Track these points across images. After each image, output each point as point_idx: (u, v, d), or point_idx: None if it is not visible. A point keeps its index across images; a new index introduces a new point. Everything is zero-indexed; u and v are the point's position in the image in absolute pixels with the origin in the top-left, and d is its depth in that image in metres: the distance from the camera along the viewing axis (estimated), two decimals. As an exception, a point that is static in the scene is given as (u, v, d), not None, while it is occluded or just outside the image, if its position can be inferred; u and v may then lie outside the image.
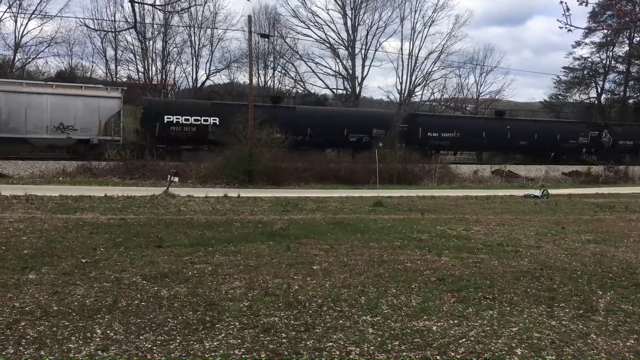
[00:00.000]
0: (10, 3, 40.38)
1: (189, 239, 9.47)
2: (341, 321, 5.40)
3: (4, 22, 44.34)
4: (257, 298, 6.01)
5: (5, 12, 40.42)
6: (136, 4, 5.67)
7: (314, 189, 22.62)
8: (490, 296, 6.44)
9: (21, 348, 4.40)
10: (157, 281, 6.54)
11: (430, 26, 52.06)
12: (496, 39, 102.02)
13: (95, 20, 43.25)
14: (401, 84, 52.03)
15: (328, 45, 49.78)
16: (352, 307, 5.84)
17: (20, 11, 40.47)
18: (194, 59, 46.09)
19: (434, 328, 5.28)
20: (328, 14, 51.08)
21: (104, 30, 42.84)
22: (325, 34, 49.48)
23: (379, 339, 4.94)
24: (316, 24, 49.15)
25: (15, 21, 41.07)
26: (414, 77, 52.11)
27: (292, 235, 10.19)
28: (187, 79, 47.42)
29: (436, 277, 7.26)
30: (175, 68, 45.93)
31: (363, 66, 50.41)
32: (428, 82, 53.14)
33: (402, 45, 52.00)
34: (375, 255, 8.63)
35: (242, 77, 50.40)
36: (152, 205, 13.92)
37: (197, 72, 46.93)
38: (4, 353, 4.30)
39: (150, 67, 44.02)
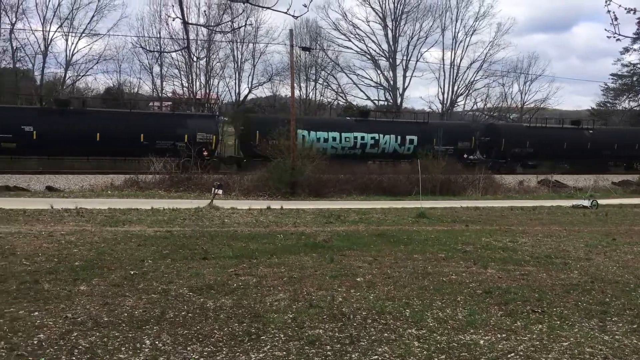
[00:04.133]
0: (62, 22, 41.92)
1: (233, 250, 9.58)
2: (386, 334, 5.36)
3: (55, 41, 45.87)
4: (301, 310, 6.02)
5: (56, 31, 41.96)
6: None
7: (356, 200, 22.59)
8: (539, 309, 6.28)
9: (74, 358, 4.53)
10: (203, 293, 6.64)
11: (472, 35, 51.45)
12: (540, 46, 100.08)
13: (142, 38, 44.40)
14: (443, 93, 51.60)
15: (369, 56, 49.84)
16: (397, 320, 5.79)
17: (71, 30, 41.94)
18: (237, 73, 46.75)
19: (481, 342, 5.18)
20: (369, 25, 50.90)
21: (159, 52, 43.93)
22: (366, 46, 49.59)
23: (425, 352, 4.88)
24: (357, 36, 49.32)
25: (66, 40, 42.50)
26: (456, 87, 51.64)
27: (335, 246, 10.18)
28: (230, 93, 48.13)
29: (482, 290, 7.13)
30: (219, 82, 46.71)
31: (404, 77, 50.25)
32: (471, 91, 52.54)
33: (443, 55, 51.56)
34: (419, 267, 8.55)
35: (284, 90, 50.84)
36: (197, 218, 14.14)
37: (239, 86, 47.57)
38: (58, 362, 4.44)
39: (194, 82, 44.92)
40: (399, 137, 34.72)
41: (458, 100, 52.94)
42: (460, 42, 51.64)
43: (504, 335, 5.39)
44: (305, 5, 4.12)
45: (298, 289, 6.96)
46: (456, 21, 52.25)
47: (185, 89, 44.92)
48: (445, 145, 34.34)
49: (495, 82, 53.01)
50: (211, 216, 14.59)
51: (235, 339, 5.09)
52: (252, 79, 47.79)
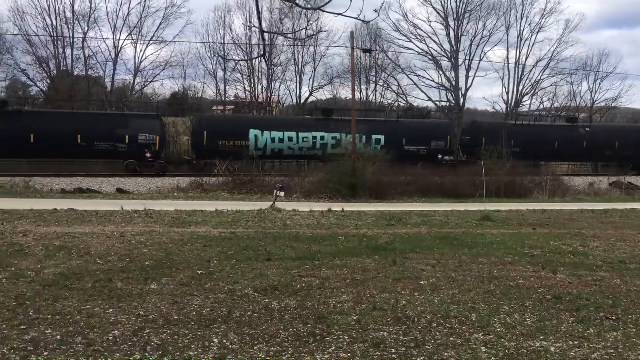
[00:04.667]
0: (131, 31, 43.57)
1: (296, 252, 9.67)
2: (452, 338, 5.28)
3: (124, 48, 47.81)
4: (365, 312, 6.02)
5: (125, 39, 43.64)
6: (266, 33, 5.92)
7: (417, 203, 22.34)
8: (613, 316, 6.04)
9: (146, 354, 4.69)
10: (267, 293, 6.74)
11: (537, 33, 49.85)
12: (611, 42, 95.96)
13: (207, 44, 45.57)
14: (507, 93, 50.30)
15: (430, 57, 49.15)
16: (463, 324, 5.70)
17: (139, 38, 43.54)
18: (298, 76, 47.27)
19: (552, 349, 5.02)
20: (430, 25, 50.26)
21: (235, 60, 45.00)
22: (427, 46, 48.92)
23: (492, 358, 4.79)
24: (418, 36, 48.73)
25: (135, 47, 44.17)
26: (521, 86, 50.24)
27: (398, 249, 10.12)
28: (291, 96, 48.68)
29: (552, 295, 6.91)
30: (280, 85, 47.36)
31: (467, 77, 49.27)
32: (537, 90, 50.93)
33: (507, 53, 50.34)
34: (484, 270, 8.37)
35: (344, 92, 50.92)
36: (260, 219, 14.35)
37: (300, 89, 48.09)
38: (131, 358, 4.61)
39: (256, 85, 45.71)
40: (363, 137, 32.32)
41: (523, 100, 51.49)
42: (526, 40, 50.18)
43: (575, 343, 5.20)
44: (375, 10, 4.13)
45: (361, 291, 6.96)
46: (521, 19, 50.84)
47: (247, 92, 45.78)
48: (417, 145, 32.75)
49: (563, 81, 51.26)
50: (273, 218, 14.78)
51: (300, 339, 5.14)
52: (313, 82, 48.22)
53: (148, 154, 28.81)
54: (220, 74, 46.32)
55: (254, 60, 41.64)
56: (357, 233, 12.23)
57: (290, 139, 32.26)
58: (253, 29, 40.54)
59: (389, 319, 5.79)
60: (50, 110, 31.12)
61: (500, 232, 12.84)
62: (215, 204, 17.93)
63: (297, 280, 7.48)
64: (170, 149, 34.66)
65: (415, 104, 49.21)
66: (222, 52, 44.28)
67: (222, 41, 46.21)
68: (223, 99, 45.69)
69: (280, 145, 32.09)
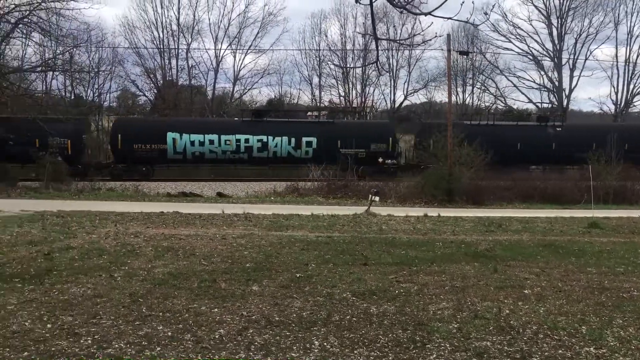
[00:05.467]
0: (231, 41, 45.31)
1: (393, 257, 9.61)
2: (560, 351, 5.04)
3: (225, 58, 49.80)
4: (466, 320, 5.88)
5: (226, 49, 45.45)
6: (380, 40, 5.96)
7: (517, 208, 21.54)
8: None
9: (250, 354, 4.84)
10: (365, 298, 6.75)
11: (650, 28, 46.73)
12: None
13: (302, 51, 46.52)
14: (616, 93, 47.41)
15: (531, 57, 47.35)
16: (572, 337, 5.42)
17: (238, 47, 45.19)
18: (392, 81, 47.11)
19: (674, 367, 4.67)
20: (531, 24, 48.46)
21: (342, 67, 45.68)
22: (528, 46, 47.19)
23: (606, 374, 4.52)
24: (518, 36, 47.13)
25: (234, 56, 45.97)
26: (631, 86, 47.18)
27: (498, 256, 9.80)
28: (385, 100, 48.56)
29: (672, 309, 6.42)
30: (374, 90, 47.40)
31: (571, 77, 47.00)
32: (650, 90, 47.60)
33: (617, 51, 47.23)
34: (594, 281, 7.93)
35: (439, 96, 50.16)
36: (355, 224, 14.40)
37: (394, 93, 47.87)
38: (236, 357, 4.78)
39: (350, 91, 46.02)
40: (292, 139, 30.54)
41: (634, 100, 48.30)
42: (637, 36, 47.15)
43: (701, 362, 4.81)
44: (485, 13, 4.05)
45: (461, 298, 6.80)
46: (631, 14, 47.91)
47: (341, 97, 46.18)
48: (355, 147, 30.07)
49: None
50: (369, 222, 14.78)
51: (400, 345, 5.10)
52: (408, 86, 47.84)
53: (60, 158, 27.56)
54: (315, 80, 47.12)
55: (380, 69, 41.83)
56: (455, 239, 11.97)
57: (211, 142, 30.63)
58: (366, 36, 40.69)
59: (491, 329, 5.62)
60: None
61: (610, 241, 12.10)
62: (311, 208, 18.20)
63: (395, 285, 7.43)
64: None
65: (515, 107, 47.51)
66: (319, 58, 44.92)
67: (318, 47, 46.96)
68: (318, 104, 46.35)
69: (201, 148, 30.56)
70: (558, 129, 33.69)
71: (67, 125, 28.22)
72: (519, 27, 47.12)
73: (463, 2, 4.24)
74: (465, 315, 6.06)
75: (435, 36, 5.29)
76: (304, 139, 30.96)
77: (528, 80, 48.17)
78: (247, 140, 30.74)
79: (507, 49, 46.98)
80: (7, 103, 22.62)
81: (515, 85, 48.13)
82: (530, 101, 48.88)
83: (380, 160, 31.27)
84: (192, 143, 30.41)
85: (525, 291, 7.24)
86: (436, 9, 4.46)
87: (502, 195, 24.12)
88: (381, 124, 36.56)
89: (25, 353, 4.69)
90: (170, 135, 30.07)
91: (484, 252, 10.22)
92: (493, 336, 5.41)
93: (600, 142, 31.77)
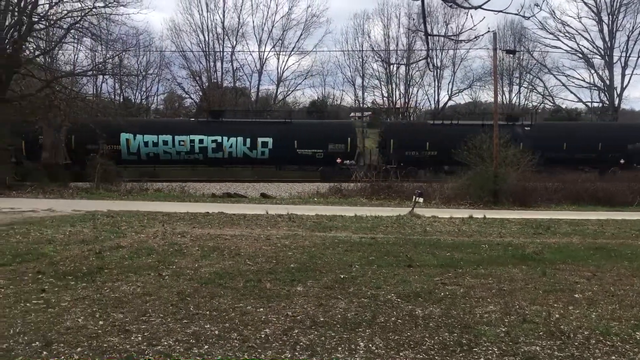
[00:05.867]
0: (275, 43, 45.72)
1: (438, 259, 9.51)
2: (613, 357, 4.90)
3: (269, 60, 50.29)
4: (514, 324, 5.76)
5: (270, 51, 45.89)
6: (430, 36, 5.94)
7: (566, 210, 20.99)
8: None
9: (296, 353, 4.87)
10: (410, 300, 6.69)
11: None
12: None
13: (345, 52, 46.55)
14: (671, 91, 45.63)
15: (580, 55, 46.08)
16: (626, 343, 5.25)
17: (282, 49, 45.59)
18: (436, 81, 46.63)
19: None
20: (580, 22, 47.28)
21: (392, 63, 45.68)
22: (577, 44, 45.95)
23: (663, 382, 4.36)
24: (567, 34, 45.95)
25: (278, 58, 46.34)
26: (688, 83, 45.37)
27: (547, 259, 9.57)
28: (429, 101, 48.10)
29: None
30: (418, 90, 47.00)
31: (622, 75, 45.52)
32: None
33: (671, 47, 45.41)
34: (649, 286, 7.65)
35: (485, 96, 49.43)
36: (399, 225, 14.31)
37: (439, 93, 47.39)
38: (282, 357, 4.81)
39: (393, 91, 45.77)
40: (248, 140, 29.70)
41: (689, 97, 46.42)
42: (692, 33, 45.28)
43: None
44: (537, 5, 3.96)
45: (509, 302, 6.67)
46: (686, 10, 46.00)
47: (385, 98, 45.98)
48: (312, 148, 29.26)
49: None
50: (412, 224, 14.67)
51: (446, 348, 5.04)
52: (452, 86, 47.26)
53: (14, 160, 27.75)
54: (358, 81, 47.06)
55: (392, 66, 41.74)
56: (501, 241, 11.75)
57: (165, 142, 30.37)
58: (412, 34, 40.45)
59: (541, 333, 5.50)
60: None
61: (665, 244, 11.66)
62: (354, 209, 18.19)
63: (441, 287, 7.35)
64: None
65: (563, 106, 46.33)
66: (361, 59, 44.86)
67: (361, 48, 46.89)
68: (361, 105, 46.29)
69: (155, 149, 30.24)
70: (527, 128, 32.34)
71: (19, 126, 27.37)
72: (567, 25, 45.96)
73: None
74: (514, 319, 5.95)
75: (488, 30, 5.20)
76: (260, 140, 30.53)
77: (577, 79, 46.94)
78: (201, 141, 30.64)
79: (556, 47, 45.88)
80: (59, 106, 23.39)
81: (564, 84, 46.96)
82: (580, 100, 47.61)
83: (339, 160, 30.72)
84: (146, 144, 30.37)
85: (576, 295, 7.05)
86: (485, 2, 4.40)
87: (550, 196, 23.55)
88: (340, 123, 35.64)
89: (79, 349, 4.84)
90: (123, 136, 29.81)
91: (532, 254, 10.00)
92: (542, 341, 5.28)
93: (571, 141, 30.97)
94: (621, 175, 28.16)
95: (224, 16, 45.25)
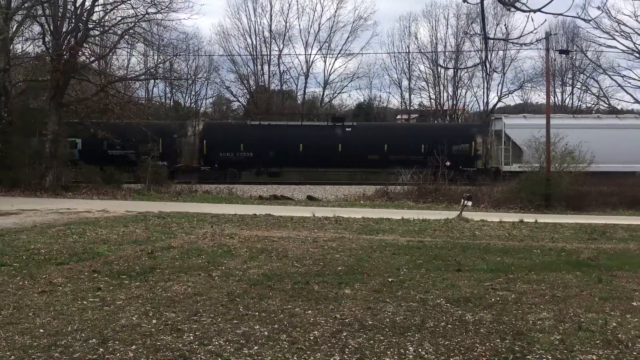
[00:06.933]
0: (321, 46, 45.92)
1: (487, 264, 9.34)
2: (675, 369, 4.70)
3: (315, 63, 50.59)
4: (569, 332, 5.60)
5: (316, 54, 46.11)
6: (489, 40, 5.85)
7: (622, 216, 20.25)
8: None
9: (345, 357, 4.87)
10: (460, 305, 6.60)
11: None
12: None
13: (392, 54, 46.34)
14: None
15: (637, 55, 44.42)
16: (689, 355, 5.03)
17: (328, 52, 45.73)
18: (485, 82, 45.82)
19: None
20: (637, 20, 45.35)
21: (447, 68, 45.43)
22: (634, 43, 44.22)
23: None
24: (622, 33, 44.31)
25: (325, 61, 46.48)
26: None
27: (603, 265, 9.26)
28: (478, 103, 47.31)
29: None
30: (466, 92, 46.31)
31: (681, 75, 43.67)
32: None
33: None
34: None
35: (536, 97, 48.27)
36: (447, 229, 14.12)
37: (488, 95, 46.54)
38: (331, 359, 4.82)
39: (441, 93, 45.23)
40: None
41: None
42: None
43: None
44: (599, 7, 3.86)
45: (563, 309, 6.49)
46: None
47: (432, 100, 45.49)
48: (121, 149, 27.60)
49: None
50: (461, 228, 14.45)
51: (498, 354, 4.95)
52: (502, 87, 46.37)
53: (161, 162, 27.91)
54: (405, 83, 46.72)
55: (439, 68, 41.28)
56: (554, 247, 11.44)
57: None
58: (466, 35, 40.03)
59: (597, 342, 5.32)
60: None
61: None
62: (401, 212, 18.05)
63: (491, 293, 7.22)
64: None
65: (619, 107, 44.78)
66: (408, 61, 44.55)
67: (408, 50, 46.56)
68: (408, 108, 45.92)
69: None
70: (347, 129, 30.99)
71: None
72: (623, 23, 44.30)
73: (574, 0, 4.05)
74: (568, 327, 5.78)
75: (549, 33, 5.05)
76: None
77: (634, 79, 45.23)
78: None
79: (611, 46, 44.29)
80: (114, 110, 24.09)
81: (619, 85, 45.29)
82: (637, 101, 45.82)
83: (160, 163, 28.62)
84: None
85: (634, 303, 6.80)
86: (545, 5, 4.30)
87: (605, 201, 22.79)
88: (159, 124, 31.66)
89: (134, 346, 4.97)
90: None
91: (587, 260, 9.69)
92: (599, 349, 5.12)
93: (392, 143, 29.80)
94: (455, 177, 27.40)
95: (271, 20, 45.71)
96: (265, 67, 45.92)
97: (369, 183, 28.89)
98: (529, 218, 16.74)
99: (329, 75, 46.40)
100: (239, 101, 48.79)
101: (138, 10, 24.26)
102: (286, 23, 45.94)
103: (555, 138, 23.52)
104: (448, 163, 28.37)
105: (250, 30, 45.46)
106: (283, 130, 31.02)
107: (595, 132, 28.62)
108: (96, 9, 24.83)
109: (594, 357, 4.94)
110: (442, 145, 28.07)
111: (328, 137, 30.35)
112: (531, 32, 4.80)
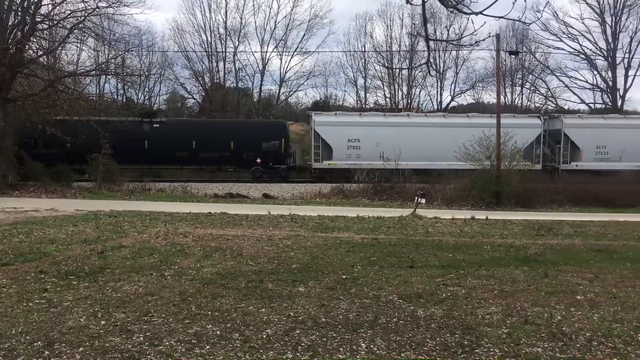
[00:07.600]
0: (277, 43, 45.73)
1: (440, 260, 9.51)
2: (615, 359, 4.89)
3: (271, 60, 50.35)
4: (516, 326, 5.77)
5: (272, 51, 45.91)
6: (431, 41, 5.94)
7: (568, 212, 20.96)
8: None
9: (298, 354, 4.88)
10: (412, 301, 6.70)
11: None
12: None
13: (348, 53, 46.58)
14: (674, 93, 45.55)
15: (583, 56, 46.01)
16: (628, 345, 5.25)
17: (284, 50, 45.59)
18: (439, 82, 46.60)
19: None
20: (583, 23, 46.89)
21: (392, 68, 45.68)
22: (580, 45, 45.83)
23: (665, 384, 4.35)
24: (569, 35, 45.85)
25: (281, 59, 46.32)
26: (690, 84, 45.28)
27: (549, 261, 9.56)
28: (432, 102, 48.08)
29: None
30: (420, 92, 46.98)
31: (626, 76, 45.44)
32: None
33: (674, 49, 45.30)
34: (651, 288, 7.64)
35: (487, 97, 49.34)
36: (401, 226, 14.30)
37: (441, 95, 47.35)
38: (284, 357, 4.82)
39: (396, 92, 45.76)
40: None
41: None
42: (696, 34, 45.17)
43: None
44: (538, 11, 3.94)
45: (511, 303, 6.67)
46: (690, 11, 45.87)
47: (387, 99, 45.96)
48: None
49: None
50: (415, 225, 14.65)
51: (448, 349, 5.05)
52: (455, 87, 47.24)
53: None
54: (360, 81, 47.05)
55: (431, 70, 41.66)
56: (503, 243, 11.74)
57: None
58: (415, 36, 40.46)
59: (543, 335, 5.50)
60: None
61: (668, 246, 11.64)
62: (357, 210, 18.19)
63: (442, 289, 7.35)
64: None
65: (566, 107, 46.28)
66: (364, 59, 44.86)
67: (363, 49, 46.89)
68: (363, 106, 46.26)
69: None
70: (155, 125, 30.21)
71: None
72: (570, 26, 45.85)
73: (515, 1, 4.17)
74: (515, 321, 5.95)
75: (489, 36, 5.20)
76: None
77: (580, 80, 46.85)
78: None
79: (559, 48, 45.78)
80: (62, 106, 23.38)
81: (566, 86, 46.88)
82: (583, 102, 47.51)
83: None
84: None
85: (578, 297, 7.05)
86: (487, 8, 4.40)
87: (553, 198, 23.51)
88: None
89: (81, 348, 4.85)
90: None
91: (534, 256, 9.99)
92: (544, 342, 5.29)
93: (201, 139, 29.66)
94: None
95: (226, 16, 45.21)
96: (221, 64, 45.47)
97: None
98: (480, 215, 17.12)
99: (285, 73, 46.28)
100: (193, 98, 48.16)
101: (88, 4, 23.60)
102: (242, 20, 45.55)
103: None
104: (259, 160, 28.63)
105: (205, 26, 44.88)
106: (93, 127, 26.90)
107: (403, 130, 30.34)
108: (44, 1, 24.07)
109: (540, 349, 5.10)
110: (252, 143, 28.04)
111: (135, 134, 28.46)
112: (471, 34, 4.90)
